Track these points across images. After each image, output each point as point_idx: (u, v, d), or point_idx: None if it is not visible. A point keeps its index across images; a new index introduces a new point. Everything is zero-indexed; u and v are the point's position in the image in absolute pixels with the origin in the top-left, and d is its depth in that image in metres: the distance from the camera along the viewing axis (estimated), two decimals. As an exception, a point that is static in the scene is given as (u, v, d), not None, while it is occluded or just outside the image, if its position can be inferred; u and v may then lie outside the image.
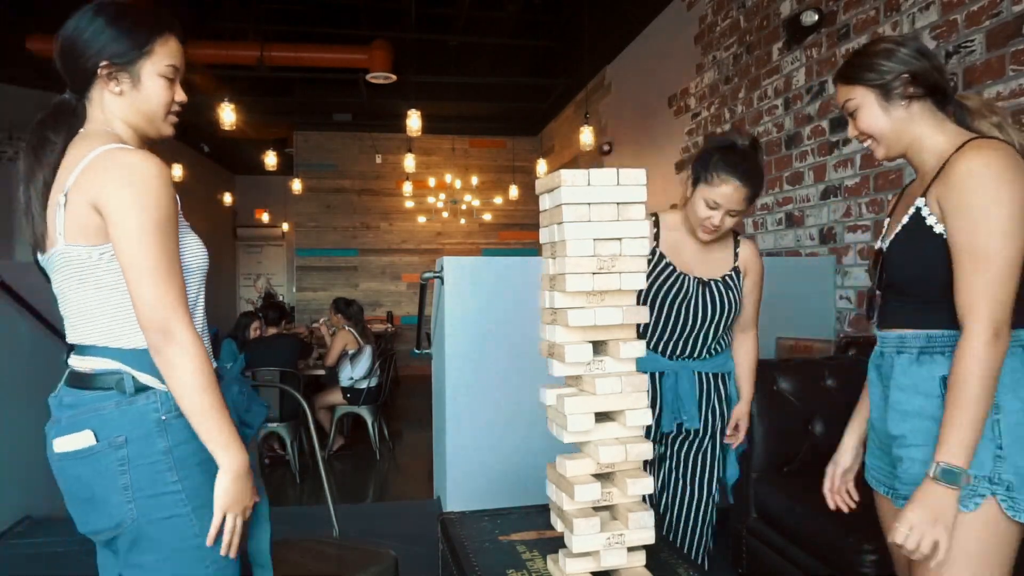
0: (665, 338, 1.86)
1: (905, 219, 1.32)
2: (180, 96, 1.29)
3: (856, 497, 1.54)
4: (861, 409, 1.58)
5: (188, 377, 1.12)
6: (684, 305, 1.83)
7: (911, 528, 1.17)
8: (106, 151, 1.15)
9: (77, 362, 1.22)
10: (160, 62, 1.23)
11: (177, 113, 1.31)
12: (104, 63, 1.19)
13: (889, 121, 1.38)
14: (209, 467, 1.17)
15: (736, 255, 1.90)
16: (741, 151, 1.76)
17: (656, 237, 1.88)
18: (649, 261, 1.83)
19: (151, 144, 1.31)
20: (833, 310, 3.38)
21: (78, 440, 1.16)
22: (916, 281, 1.31)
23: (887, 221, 1.45)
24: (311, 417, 2.19)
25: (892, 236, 1.36)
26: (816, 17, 3.42)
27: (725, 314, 1.85)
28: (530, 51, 8.26)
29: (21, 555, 2.92)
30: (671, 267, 1.84)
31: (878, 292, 1.40)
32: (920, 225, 1.28)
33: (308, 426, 2.20)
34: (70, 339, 1.24)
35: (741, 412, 1.97)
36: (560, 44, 7.55)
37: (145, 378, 1.18)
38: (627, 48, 6.20)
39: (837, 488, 1.55)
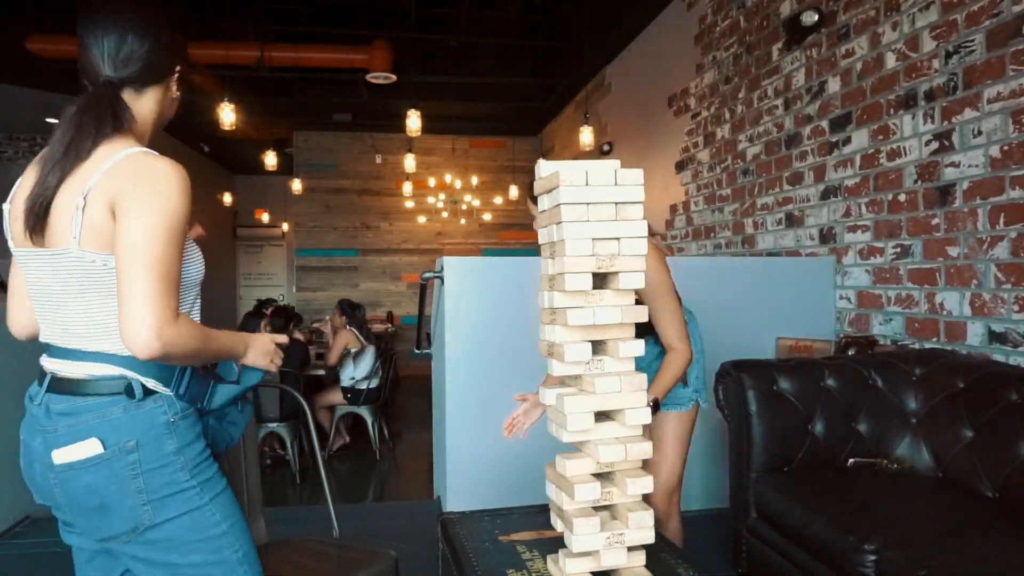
0: None
1: None
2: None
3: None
4: None
5: (196, 341, 1.16)
6: None
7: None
8: (135, 154, 1.15)
9: (66, 367, 1.19)
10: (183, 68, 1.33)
11: None
12: (180, 67, 1.29)
13: None
14: (212, 462, 1.24)
15: None
16: None
17: None
18: None
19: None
20: (833, 310, 3.38)
21: (84, 449, 1.14)
22: None
23: None
24: (311, 417, 2.19)
25: None
26: (816, 17, 3.42)
27: None
28: (530, 51, 8.24)
29: (21, 555, 2.92)
30: None
31: None
32: None
33: (308, 426, 2.20)
34: (57, 342, 1.20)
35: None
36: (560, 44, 7.54)
37: (152, 383, 1.18)
38: (627, 48, 6.20)
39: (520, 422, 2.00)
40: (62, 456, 1.15)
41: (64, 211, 1.14)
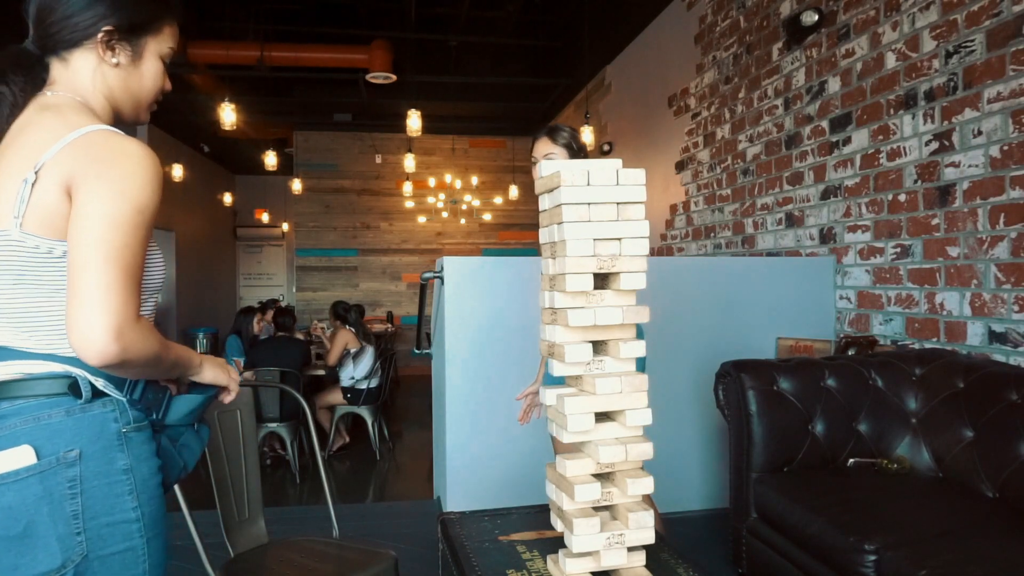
0: None
1: None
2: (168, 85, 1.17)
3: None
4: None
5: (153, 351, 0.98)
6: None
7: None
8: (98, 132, 0.98)
9: None
10: (164, 43, 1.13)
11: (157, 103, 1.19)
12: (108, 27, 1.04)
13: None
14: (162, 494, 1.06)
15: None
16: None
17: None
18: None
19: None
20: (833, 310, 3.38)
21: (10, 459, 0.93)
22: None
23: None
24: (311, 417, 2.19)
25: None
26: (816, 17, 3.42)
27: None
28: (530, 51, 8.25)
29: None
30: None
31: None
32: None
33: (308, 426, 2.20)
34: None
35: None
36: (560, 44, 7.55)
37: (102, 383, 0.99)
38: (627, 48, 6.20)
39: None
40: None
41: (5, 185, 0.97)
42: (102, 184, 0.94)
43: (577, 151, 2.17)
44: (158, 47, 1.12)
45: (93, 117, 1.04)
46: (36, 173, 0.95)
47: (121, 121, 1.13)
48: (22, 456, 0.93)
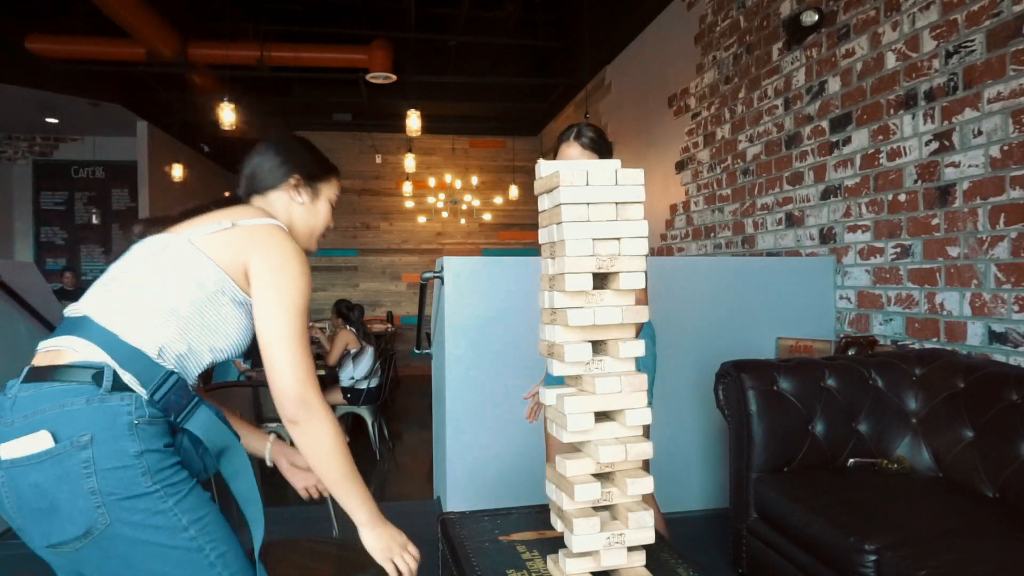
0: None
1: None
2: (332, 222, 1.52)
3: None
4: None
5: (328, 444, 1.23)
6: None
7: None
8: (279, 227, 1.29)
9: (57, 346, 1.16)
10: (332, 191, 1.49)
11: (324, 236, 1.54)
12: (297, 175, 1.42)
13: None
14: (180, 469, 1.15)
15: None
16: None
17: None
18: None
19: None
20: (833, 310, 3.38)
21: (32, 443, 1.07)
22: None
23: None
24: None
25: None
26: (816, 17, 3.42)
27: None
28: (530, 51, 8.25)
29: (21, 555, 2.92)
30: None
31: None
32: None
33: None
34: (88, 312, 1.18)
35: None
36: (560, 44, 7.55)
37: (128, 377, 1.13)
38: (627, 48, 6.20)
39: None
40: (9, 450, 1.08)
41: (203, 220, 1.28)
42: (279, 277, 1.23)
43: (606, 153, 2.05)
44: (328, 193, 1.49)
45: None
46: (233, 224, 1.25)
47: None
48: (41, 441, 1.07)
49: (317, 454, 1.23)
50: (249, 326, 1.27)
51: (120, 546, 1.09)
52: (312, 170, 1.45)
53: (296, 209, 1.43)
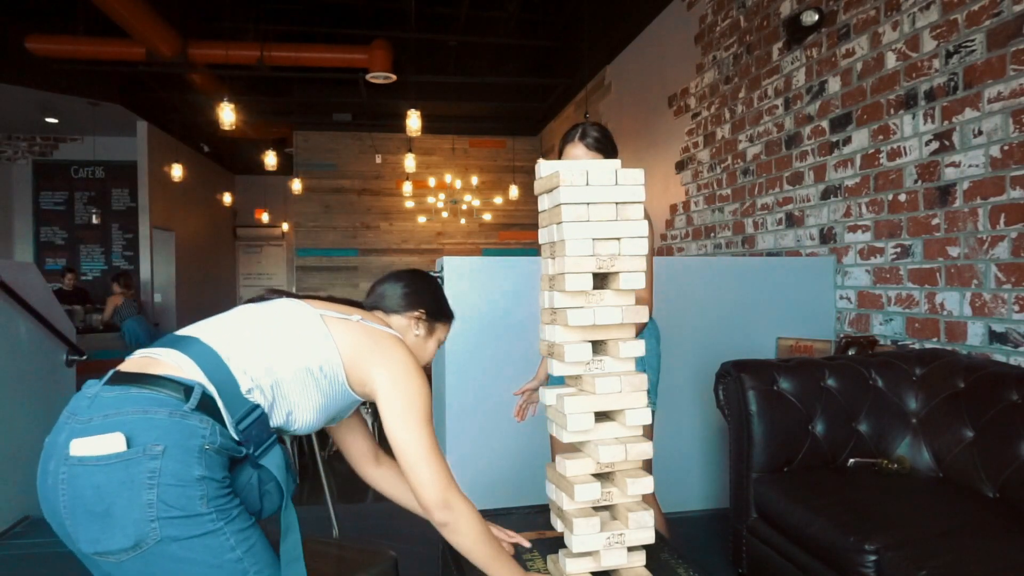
0: None
1: None
2: (432, 358, 1.61)
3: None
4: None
5: (474, 535, 1.29)
6: None
7: None
8: (401, 340, 1.39)
9: (153, 352, 1.19)
10: (444, 333, 1.60)
11: None
12: (423, 310, 1.52)
13: None
14: (233, 496, 1.16)
15: None
16: None
17: None
18: None
19: None
20: (833, 310, 3.38)
21: (105, 443, 1.06)
22: None
23: None
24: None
25: None
26: (816, 17, 3.42)
27: None
28: (530, 51, 8.25)
29: (21, 555, 2.92)
30: None
31: None
32: None
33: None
34: (187, 331, 1.24)
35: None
36: (560, 44, 7.55)
37: (217, 400, 1.15)
38: (627, 48, 6.20)
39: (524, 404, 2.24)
40: (80, 447, 1.07)
41: (335, 307, 1.38)
42: (404, 388, 1.31)
43: (611, 153, 2.04)
44: (440, 334, 1.59)
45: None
46: (360, 320, 1.35)
47: None
48: (114, 443, 1.07)
49: (466, 545, 1.31)
50: (323, 420, 1.35)
51: (167, 563, 1.09)
52: (435, 309, 1.55)
53: (411, 338, 1.51)
